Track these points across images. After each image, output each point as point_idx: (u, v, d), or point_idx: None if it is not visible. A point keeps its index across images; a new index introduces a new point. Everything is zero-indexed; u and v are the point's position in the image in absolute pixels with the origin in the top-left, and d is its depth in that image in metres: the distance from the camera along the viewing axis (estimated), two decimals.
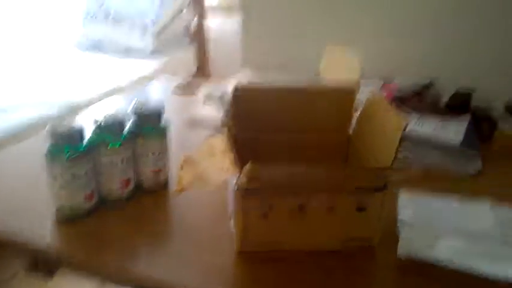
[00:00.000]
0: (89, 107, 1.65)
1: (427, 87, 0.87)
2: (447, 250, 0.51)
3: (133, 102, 0.62)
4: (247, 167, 0.44)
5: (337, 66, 0.65)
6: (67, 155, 0.54)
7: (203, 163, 0.50)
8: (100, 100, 1.80)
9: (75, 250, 0.53)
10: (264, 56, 1.10)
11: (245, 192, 0.48)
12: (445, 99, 0.86)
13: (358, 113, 0.61)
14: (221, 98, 0.54)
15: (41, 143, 0.55)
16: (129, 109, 0.61)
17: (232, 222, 0.53)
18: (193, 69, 2.58)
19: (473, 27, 0.91)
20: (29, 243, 0.54)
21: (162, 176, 0.63)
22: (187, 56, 2.54)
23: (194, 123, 0.90)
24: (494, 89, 0.90)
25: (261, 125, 0.62)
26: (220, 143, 0.51)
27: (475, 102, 0.86)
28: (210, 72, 2.68)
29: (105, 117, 0.58)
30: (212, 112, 0.89)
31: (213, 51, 2.67)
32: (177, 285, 0.48)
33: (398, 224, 0.56)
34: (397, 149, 0.48)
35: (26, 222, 0.57)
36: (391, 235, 0.54)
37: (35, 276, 0.60)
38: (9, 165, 0.73)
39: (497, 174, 0.72)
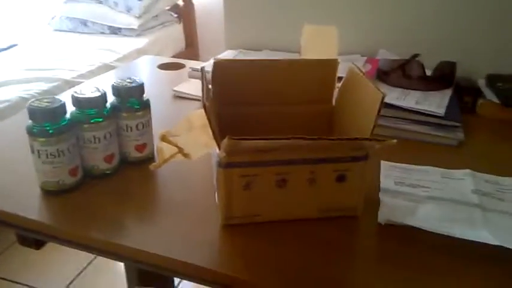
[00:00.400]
0: (75, 84, 1.65)
1: (411, 60, 0.87)
2: (427, 216, 0.53)
3: (118, 77, 0.62)
4: (225, 141, 0.44)
5: (316, 45, 0.65)
6: (49, 131, 0.54)
7: (182, 138, 0.51)
8: (87, 77, 1.79)
9: (62, 224, 0.53)
10: (246, 36, 1.10)
11: (226, 166, 0.48)
12: (428, 72, 0.87)
13: (340, 84, 0.61)
14: (202, 73, 0.54)
15: (24, 119, 0.55)
16: (112, 84, 0.61)
17: (216, 194, 0.54)
18: (181, 47, 2.56)
19: (455, 0, 0.91)
20: (17, 217, 0.54)
21: (147, 150, 0.64)
22: (174, 34, 2.52)
23: (179, 96, 0.90)
24: (477, 61, 0.91)
25: (243, 99, 0.62)
26: (200, 117, 0.51)
27: (458, 74, 0.87)
28: (198, 51, 2.66)
29: (87, 92, 0.57)
30: (197, 86, 0.88)
31: (200, 29, 2.64)
32: (163, 258, 0.48)
33: (380, 192, 0.57)
34: (375, 120, 0.48)
35: (13, 197, 0.57)
36: (373, 203, 0.55)
37: (26, 249, 0.61)
38: None
39: (479, 144, 0.73)
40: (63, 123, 0.55)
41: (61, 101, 0.55)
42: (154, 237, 0.51)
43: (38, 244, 0.60)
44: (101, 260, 1.50)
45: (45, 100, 0.55)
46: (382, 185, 0.59)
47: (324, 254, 0.49)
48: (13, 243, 1.56)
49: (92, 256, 1.52)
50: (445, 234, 0.50)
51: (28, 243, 0.60)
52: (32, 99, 0.55)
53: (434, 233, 0.51)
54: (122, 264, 1.35)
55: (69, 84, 1.72)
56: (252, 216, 0.53)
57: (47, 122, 0.54)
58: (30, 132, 0.54)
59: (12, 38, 2.27)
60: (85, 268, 1.49)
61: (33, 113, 0.53)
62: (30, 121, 0.54)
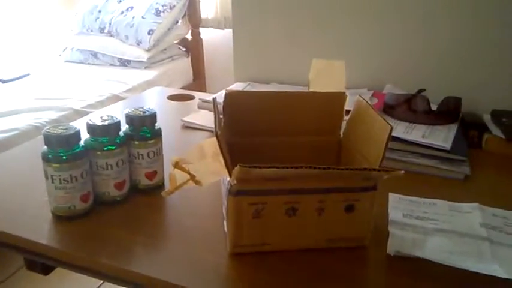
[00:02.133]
0: (86, 114, 1.67)
1: (416, 95, 0.88)
2: (436, 248, 0.53)
3: (129, 107, 0.64)
4: (237, 169, 0.45)
5: (324, 78, 0.67)
6: (63, 157, 0.55)
7: (194, 165, 0.51)
8: (96, 107, 1.82)
9: (72, 250, 0.54)
10: (255, 69, 1.12)
11: (236, 194, 0.49)
12: (434, 106, 0.88)
13: (348, 116, 0.62)
14: (214, 103, 0.56)
15: (37, 146, 0.56)
16: (124, 113, 0.62)
17: (225, 222, 0.54)
18: (189, 80, 2.60)
19: (461, 37, 0.94)
20: (26, 241, 0.55)
21: (157, 177, 0.65)
22: (182, 67, 2.57)
23: (188, 127, 0.91)
24: (481, 97, 0.92)
25: (253, 130, 0.63)
26: (212, 146, 0.52)
27: (463, 109, 0.89)
28: (205, 83, 2.70)
29: (101, 120, 0.59)
30: (206, 117, 0.90)
31: (208, 63, 2.69)
32: (170, 284, 0.48)
33: (389, 224, 0.57)
34: (384, 152, 0.49)
35: (24, 222, 0.58)
36: (382, 234, 0.55)
37: (34, 274, 0.61)
38: (7, 168, 0.74)
39: (485, 179, 0.74)
40: (76, 150, 0.56)
41: (76, 128, 0.56)
42: (162, 264, 0.51)
43: (46, 270, 0.60)
44: (107, 286, 1.47)
45: (60, 127, 0.56)
46: (390, 216, 0.59)
47: (333, 286, 0.49)
48: (19, 269, 1.54)
49: (97, 284, 1.49)
50: (454, 266, 0.50)
51: (36, 269, 0.60)
52: (48, 126, 0.56)
53: (442, 265, 0.51)
54: None
55: (79, 113, 1.75)
56: (260, 245, 0.53)
57: (61, 148, 0.55)
58: (45, 157, 0.55)
59: (25, 67, 2.32)
60: None
61: (48, 139, 0.55)
62: (45, 147, 0.55)
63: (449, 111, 0.87)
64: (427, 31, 0.96)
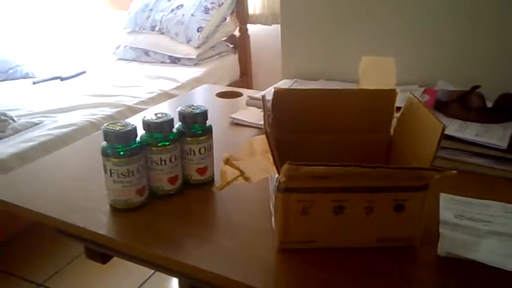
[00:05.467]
0: (138, 110, 1.74)
1: (470, 92, 0.85)
2: (489, 251, 0.51)
3: (180, 104, 0.66)
4: (285, 166, 0.46)
5: (374, 75, 0.66)
6: (121, 152, 0.58)
7: (244, 162, 0.53)
8: (148, 104, 1.89)
9: (128, 240, 0.57)
10: (302, 66, 1.12)
11: (285, 191, 0.50)
12: (489, 104, 0.85)
13: (399, 114, 0.62)
14: (263, 101, 0.57)
15: (94, 142, 0.60)
16: (178, 110, 0.65)
17: (273, 219, 0.55)
18: (236, 77, 2.64)
19: None
20: (87, 232, 0.58)
21: (207, 173, 0.67)
22: (230, 64, 2.60)
23: (237, 123, 0.93)
24: None
25: (301, 127, 0.64)
26: (261, 143, 0.54)
27: None
28: (251, 80, 2.73)
29: (155, 117, 0.62)
30: (254, 114, 0.92)
31: (254, 59, 2.72)
32: (220, 277, 0.50)
33: (439, 224, 0.56)
34: (435, 151, 0.49)
35: (84, 213, 0.61)
36: (432, 235, 0.55)
37: (91, 262, 0.65)
38: (67, 162, 0.79)
39: None
40: (133, 146, 0.59)
41: (133, 125, 0.59)
42: (211, 255, 0.53)
43: (104, 259, 0.64)
44: (157, 275, 1.54)
45: (119, 124, 0.59)
46: (441, 217, 0.58)
47: (382, 285, 0.49)
48: (74, 258, 1.64)
49: (150, 272, 1.55)
50: (508, 270, 0.49)
51: (95, 258, 0.64)
52: (107, 123, 0.60)
53: (495, 268, 0.49)
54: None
55: (132, 110, 1.82)
56: (307, 242, 0.53)
57: (119, 144, 0.58)
58: (104, 152, 0.58)
59: (81, 65, 2.44)
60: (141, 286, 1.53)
61: (107, 135, 0.58)
62: (104, 142, 0.59)
63: (505, 109, 0.84)
64: (480, 25, 0.93)
